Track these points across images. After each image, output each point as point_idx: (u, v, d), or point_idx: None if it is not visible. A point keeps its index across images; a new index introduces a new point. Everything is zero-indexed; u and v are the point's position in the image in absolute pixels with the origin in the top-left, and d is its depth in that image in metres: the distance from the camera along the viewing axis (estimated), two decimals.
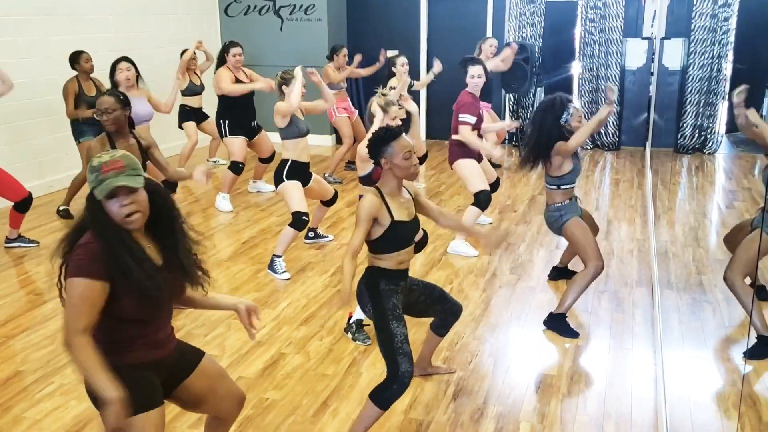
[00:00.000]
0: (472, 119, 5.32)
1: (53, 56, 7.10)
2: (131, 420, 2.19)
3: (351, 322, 4.14)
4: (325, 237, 5.80)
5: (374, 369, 3.74)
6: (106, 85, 6.18)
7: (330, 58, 7.97)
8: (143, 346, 2.34)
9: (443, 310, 3.40)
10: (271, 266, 5.10)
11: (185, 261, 2.39)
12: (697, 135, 9.07)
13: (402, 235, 3.08)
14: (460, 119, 5.34)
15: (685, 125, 9.08)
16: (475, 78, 5.37)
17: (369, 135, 3.25)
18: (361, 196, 3.16)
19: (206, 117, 7.82)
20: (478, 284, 4.91)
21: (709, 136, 9.05)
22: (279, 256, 5.07)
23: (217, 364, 2.69)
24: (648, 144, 8.89)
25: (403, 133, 3.07)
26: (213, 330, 4.22)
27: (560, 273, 4.96)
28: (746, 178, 7.89)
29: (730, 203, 6.93)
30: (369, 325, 4.16)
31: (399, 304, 3.08)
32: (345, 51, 8.01)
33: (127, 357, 2.29)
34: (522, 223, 6.25)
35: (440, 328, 3.50)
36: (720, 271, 4.14)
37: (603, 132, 9.41)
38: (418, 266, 5.23)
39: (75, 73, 6.30)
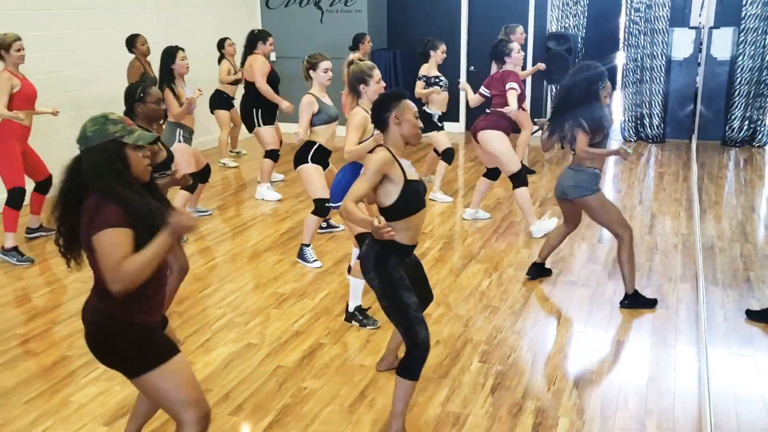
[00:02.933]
0: (519, 89, 5.62)
1: (95, 49, 7.24)
2: (164, 367, 2.34)
3: (352, 311, 4.15)
4: (336, 227, 5.83)
5: None
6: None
7: (354, 48, 7.93)
8: (151, 309, 2.43)
9: (421, 293, 3.26)
10: (301, 255, 5.13)
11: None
12: (746, 127, 8.84)
13: (417, 195, 3.02)
14: (508, 86, 5.57)
15: (733, 117, 8.85)
16: (514, 52, 5.74)
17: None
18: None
19: (233, 106, 7.93)
20: (517, 278, 4.86)
21: (758, 128, 8.81)
22: (307, 245, 5.10)
23: None
24: (694, 136, 8.69)
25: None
26: (253, 319, 4.27)
27: (539, 271, 4.80)
28: None
29: None
30: (369, 308, 4.17)
31: (405, 275, 3.04)
32: (368, 38, 7.97)
33: (140, 317, 2.38)
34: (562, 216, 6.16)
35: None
36: None
37: (648, 124, 9.24)
38: (455, 259, 5.21)
39: (132, 56, 6.61)
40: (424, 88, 6.50)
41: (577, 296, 4.57)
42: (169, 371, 2.36)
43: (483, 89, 5.95)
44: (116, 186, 2.25)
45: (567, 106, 4.28)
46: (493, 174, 5.98)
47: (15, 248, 5.24)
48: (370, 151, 3.04)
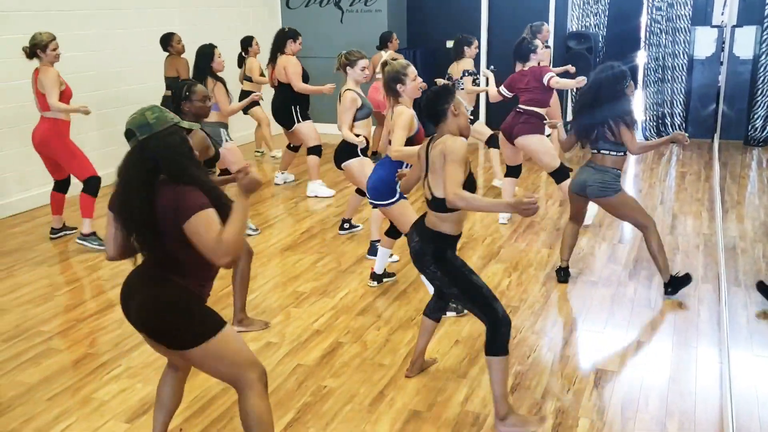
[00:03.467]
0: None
1: (121, 49, 7.31)
2: (225, 331, 2.46)
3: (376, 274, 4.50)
4: (356, 227, 5.85)
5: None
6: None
7: (382, 48, 7.93)
8: (210, 280, 2.57)
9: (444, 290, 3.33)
10: (373, 251, 5.10)
11: None
12: None
13: (472, 182, 3.07)
14: (547, 76, 5.61)
15: (756, 116, 8.74)
16: (539, 48, 5.83)
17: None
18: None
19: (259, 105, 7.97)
20: (537, 278, 4.84)
21: None
22: (377, 241, 5.12)
23: None
24: (716, 136, 8.60)
25: None
26: (273, 318, 4.29)
27: (567, 273, 4.77)
28: None
29: None
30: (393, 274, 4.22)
31: (463, 260, 3.17)
32: (395, 36, 7.99)
33: (203, 290, 2.54)
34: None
35: (436, 312, 3.52)
36: None
37: (669, 123, 9.15)
38: (475, 259, 5.20)
39: (166, 54, 6.85)
40: (472, 84, 6.59)
41: (597, 296, 4.54)
42: (229, 335, 2.49)
43: (504, 89, 5.93)
44: (190, 167, 2.37)
45: (596, 104, 4.30)
46: (515, 171, 5.97)
47: (93, 233, 5.48)
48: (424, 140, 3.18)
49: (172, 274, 2.45)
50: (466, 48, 6.58)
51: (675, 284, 4.46)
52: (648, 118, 9.26)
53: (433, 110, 3.10)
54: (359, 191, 5.52)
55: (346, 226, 5.80)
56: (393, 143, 4.10)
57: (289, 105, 6.71)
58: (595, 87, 4.33)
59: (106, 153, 7.30)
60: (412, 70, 4.19)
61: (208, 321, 2.48)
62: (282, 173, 7.40)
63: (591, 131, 4.36)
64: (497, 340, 2.99)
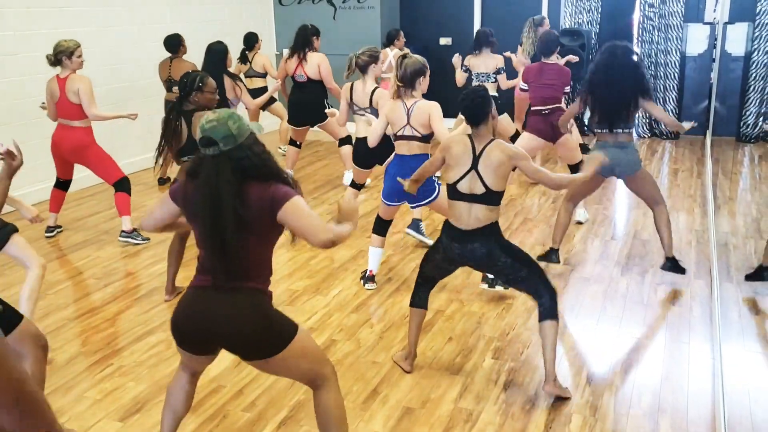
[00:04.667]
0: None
1: (112, 45, 7.28)
2: (299, 335, 2.49)
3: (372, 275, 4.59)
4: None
5: (424, 357, 3.74)
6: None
7: (388, 45, 7.92)
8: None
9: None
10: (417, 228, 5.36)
11: None
12: (760, 123, 8.75)
13: None
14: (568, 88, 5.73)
15: (748, 113, 8.78)
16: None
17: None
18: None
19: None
20: None
21: None
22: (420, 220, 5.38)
23: None
24: (708, 133, 8.62)
25: None
26: None
27: (558, 255, 4.85)
28: None
29: None
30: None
31: None
32: (402, 33, 7.98)
33: (269, 293, 2.58)
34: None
35: (426, 302, 3.60)
36: None
37: None
38: None
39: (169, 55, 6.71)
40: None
41: (590, 293, 4.55)
42: (304, 332, 2.55)
43: (522, 84, 5.92)
44: (276, 166, 2.48)
45: (616, 85, 4.43)
46: (576, 168, 5.78)
47: (135, 230, 5.52)
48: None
49: (245, 280, 2.44)
50: (489, 38, 6.59)
51: (673, 263, 4.63)
52: (641, 115, 9.28)
53: (479, 112, 3.29)
54: (354, 186, 5.50)
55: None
56: (442, 134, 4.09)
57: (322, 101, 6.72)
58: (609, 68, 4.45)
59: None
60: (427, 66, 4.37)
61: (287, 321, 2.52)
62: (289, 171, 7.41)
63: (622, 111, 4.47)
64: (554, 307, 3.28)
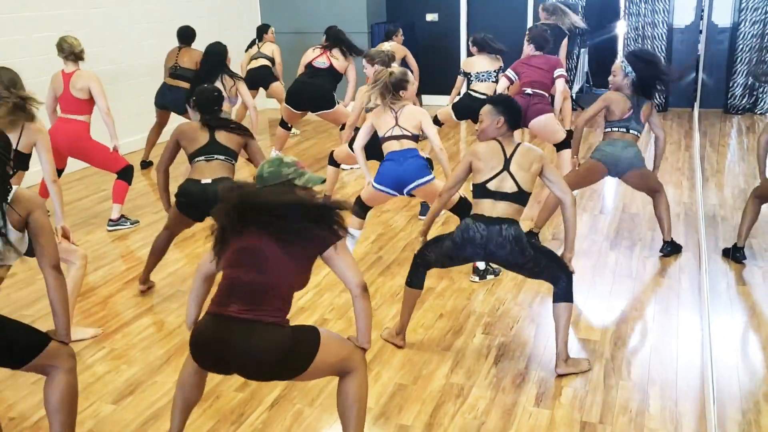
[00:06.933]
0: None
1: (98, 28, 7.18)
2: (322, 340, 2.53)
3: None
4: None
5: (415, 334, 3.76)
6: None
7: (386, 41, 7.84)
8: None
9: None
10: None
11: None
12: (747, 95, 8.78)
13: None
14: (558, 71, 5.78)
15: (735, 85, 8.79)
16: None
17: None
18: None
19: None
20: None
21: (760, 96, 8.76)
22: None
23: None
24: (696, 105, 8.64)
25: None
26: None
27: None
28: None
29: None
30: None
31: None
32: (401, 30, 7.98)
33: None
34: None
35: (423, 282, 3.63)
36: None
37: None
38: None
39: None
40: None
41: (579, 267, 4.54)
42: (325, 333, 2.59)
43: (510, 72, 5.87)
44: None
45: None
46: (564, 145, 5.86)
47: (122, 216, 5.55)
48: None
49: (268, 311, 2.47)
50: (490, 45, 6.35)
51: (672, 246, 4.67)
52: None
53: (519, 119, 3.53)
54: (332, 161, 5.52)
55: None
56: (438, 143, 4.36)
57: (330, 90, 6.79)
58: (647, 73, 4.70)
59: None
60: (411, 77, 4.46)
61: (308, 334, 2.54)
62: (277, 152, 7.38)
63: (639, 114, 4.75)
64: (570, 288, 3.36)
